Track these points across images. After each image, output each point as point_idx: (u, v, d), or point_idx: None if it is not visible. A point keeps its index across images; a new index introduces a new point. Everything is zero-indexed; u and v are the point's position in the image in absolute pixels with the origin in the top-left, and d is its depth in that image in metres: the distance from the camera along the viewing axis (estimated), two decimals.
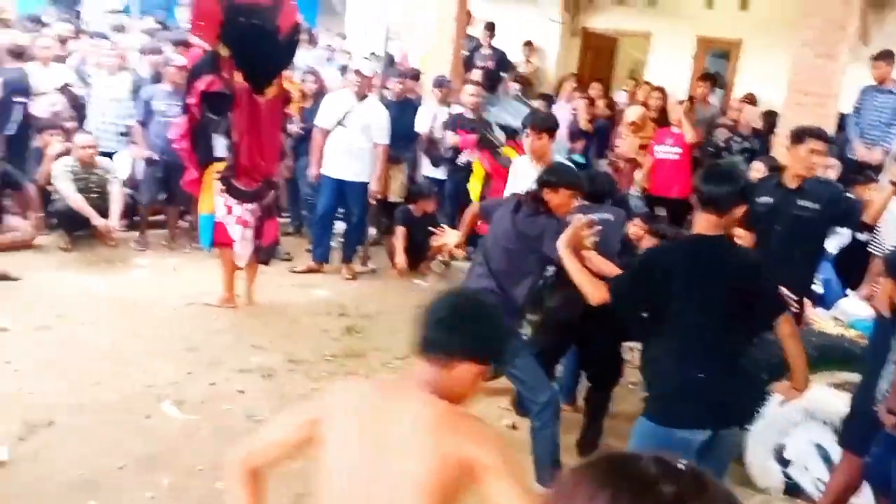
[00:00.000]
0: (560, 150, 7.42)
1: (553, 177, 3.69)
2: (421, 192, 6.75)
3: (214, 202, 5.12)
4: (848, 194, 4.50)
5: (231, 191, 5.06)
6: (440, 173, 7.13)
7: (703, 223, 2.86)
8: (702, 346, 2.81)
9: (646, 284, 2.88)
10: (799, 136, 4.26)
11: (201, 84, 4.74)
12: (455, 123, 6.87)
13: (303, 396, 4.24)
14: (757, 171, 5.30)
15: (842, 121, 6.40)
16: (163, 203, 6.74)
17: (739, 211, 2.83)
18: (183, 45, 7.03)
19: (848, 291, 5.04)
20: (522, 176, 4.72)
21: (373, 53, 8.51)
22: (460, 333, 1.75)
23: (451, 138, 6.84)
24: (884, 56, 6.35)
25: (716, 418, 2.85)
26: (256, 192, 5.15)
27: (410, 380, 1.76)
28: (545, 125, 4.71)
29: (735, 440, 3.08)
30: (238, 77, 4.75)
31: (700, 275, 2.79)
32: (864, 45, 7.15)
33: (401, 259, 6.40)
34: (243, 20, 4.63)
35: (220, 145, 5.02)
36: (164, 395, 4.10)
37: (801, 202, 4.29)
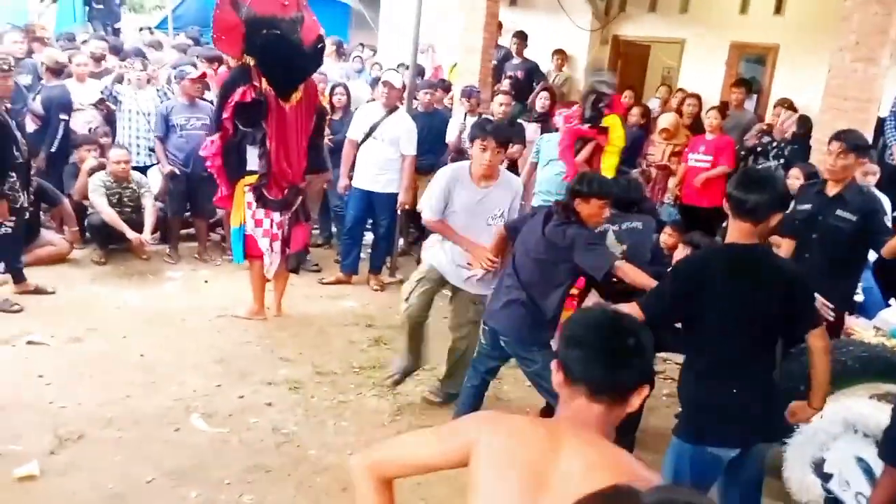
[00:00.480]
0: None
1: (585, 187, 3.63)
2: None
3: (244, 215, 5.14)
4: (884, 215, 4.29)
5: (262, 201, 5.08)
6: None
7: (737, 231, 2.75)
8: (736, 359, 2.72)
9: (679, 296, 2.80)
10: (830, 139, 4.19)
11: (236, 96, 4.76)
12: None
13: (329, 409, 4.23)
14: (795, 177, 5.17)
15: (881, 126, 6.23)
16: (190, 216, 6.83)
17: (776, 219, 2.73)
18: (215, 60, 7.14)
19: (891, 301, 4.87)
20: (460, 195, 4.06)
21: (401, 65, 8.52)
22: (641, 366, 1.63)
23: None
24: None
25: (748, 435, 2.77)
26: (285, 201, 5.17)
27: (575, 420, 1.61)
28: (505, 137, 4.05)
29: (766, 451, 2.97)
30: (264, 83, 4.78)
31: (736, 285, 2.70)
32: None
33: None
34: (265, 32, 4.66)
35: (251, 157, 5.05)
36: (194, 408, 4.12)
37: (840, 212, 4.18)
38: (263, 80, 4.77)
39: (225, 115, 4.85)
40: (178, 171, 6.51)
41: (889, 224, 4.37)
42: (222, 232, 6.93)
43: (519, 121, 7.13)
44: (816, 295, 3.40)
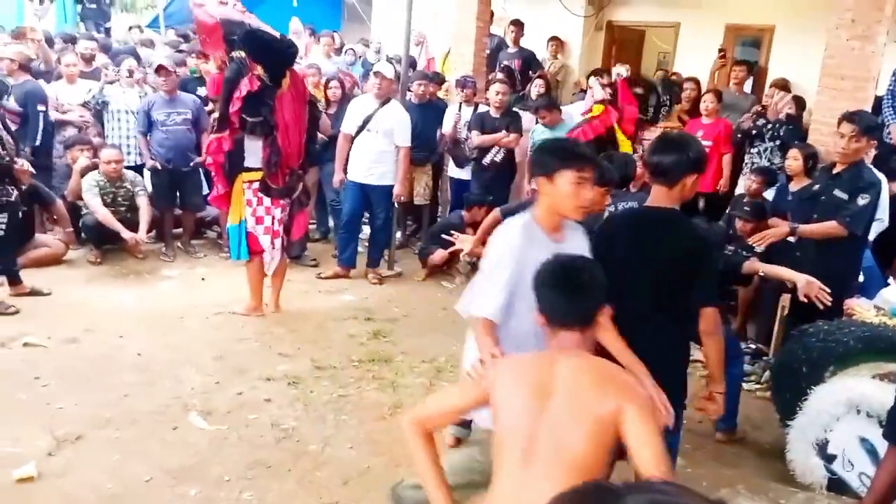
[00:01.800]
0: None
1: None
2: (479, 200, 6.51)
3: (244, 212, 5.11)
4: (863, 195, 4.22)
5: (266, 190, 5.05)
6: (465, 174, 7.05)
7: (654, 195, 2.81)
8: (632, 319, 2.67)
9: (596, 257, 2.81)
10: (840, 120, 4.16)
11: (243, 88, 4.76)
12: (480, 123, 6.79)
13: (329, 403, 4.20)
14: (794, 158, 5.14)
15: (878, 104, 6.17)
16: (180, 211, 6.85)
17: (690, 181, 2.75)
18: (205, 55, 7.09)
19: (890, 279, 4.84)
20: (533, 263, 2.43)
21: (391, 59, 8.47)
22: (596, 295, 2.15)
23: (476, 138, 6.76)
24: None
25: None
26: (288, 188, 5.15)
27: (561, 345, 2.12)
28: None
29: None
30: (260, 70, 4.80)
31: (637, 246, 2.74)
32: None
33: (438, 257, 6.35)
34: (240, 29, 4.84)
35: (250, 153, 5.00)
36: (192, 406, 4.09)
37: (836, 192, 4.15)
38: (258, 67, 4.78)
39: (233, 110, 4.82)
40: (159, 166, 6.50)
41: (882, 202, 4.33)
42: (218, 229, 6.90)
43: (515, 109, 7.09)
44: (813, 279, 3.36)
